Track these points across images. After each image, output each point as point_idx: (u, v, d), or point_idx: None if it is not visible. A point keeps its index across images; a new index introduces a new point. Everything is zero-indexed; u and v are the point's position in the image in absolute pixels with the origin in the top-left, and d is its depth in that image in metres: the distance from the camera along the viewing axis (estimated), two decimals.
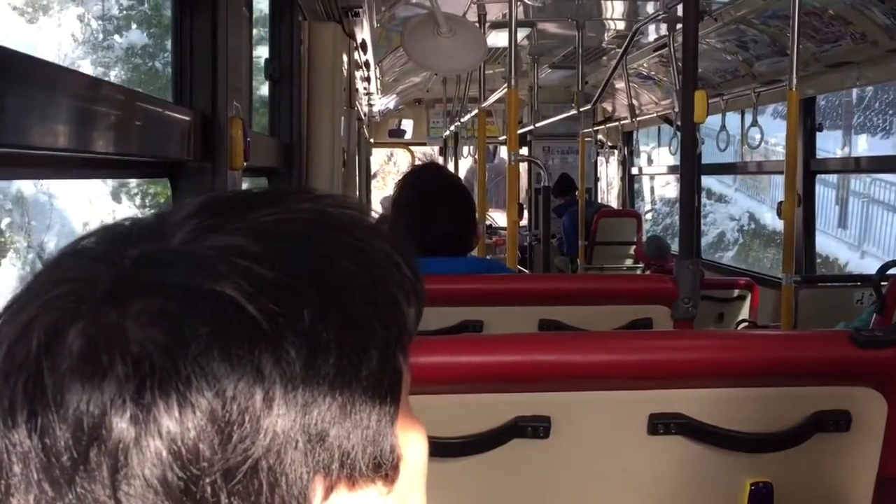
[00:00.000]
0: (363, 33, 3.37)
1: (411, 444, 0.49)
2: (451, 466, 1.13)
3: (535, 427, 1.13)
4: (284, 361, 0.41)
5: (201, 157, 1.20)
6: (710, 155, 5.33)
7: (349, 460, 0.43)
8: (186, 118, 1.18)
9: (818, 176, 4.66)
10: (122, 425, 0.39)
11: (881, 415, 1.15)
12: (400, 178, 2.14)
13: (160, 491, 0.39)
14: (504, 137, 3.46)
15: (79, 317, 0.40)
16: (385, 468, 0.45)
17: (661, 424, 1.15)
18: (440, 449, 1.12)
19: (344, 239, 0.47)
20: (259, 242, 0.44)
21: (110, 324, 0.40)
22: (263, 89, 2.28)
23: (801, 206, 4.45)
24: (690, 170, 2.03)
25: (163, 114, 1.18)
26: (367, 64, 4.13)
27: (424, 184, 2.06)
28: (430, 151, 11.53)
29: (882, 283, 2.35)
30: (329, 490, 0.43)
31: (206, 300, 0.41)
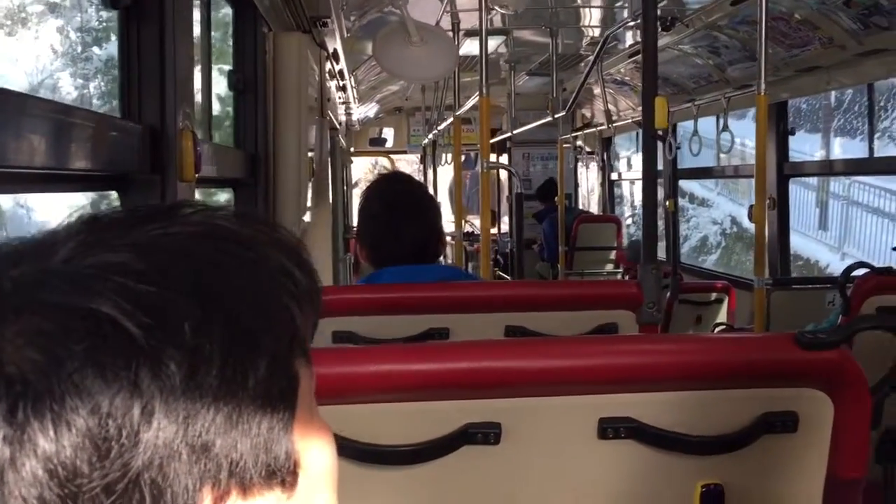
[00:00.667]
0: (335, 43, 3.38)
1: (313, 448, 0.49)
2: (401, 474, 1.13)
3: (486, 433, 1.14)
4: (164, 375, 0.41)
5: (150, 169, 1.20)
6: (689, 159, 5.37)
7: (238, 469, 0.43)
8: (135, 131, 1.19)
9: (798, 179, 4.70)
10: None
11: (828, 416, 1.16)
12: (365, 187, 2.15)
13: None
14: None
15: None
16: (280, 475, 0.46)
17: (610, 429, 1.15)
18: (390, 457, 1.13)
19: (232, 250, 0.47)
20: (141, 258, 0.44)
21: None
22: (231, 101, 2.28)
23: (776, 209, 4.48)
24: (653, 175, 2.04)
25: (111, 127, 1.18)
26: (340, 73, 4.14)
27: (391, 194, 2.06)
28: (412, 159, 11.54)
29: (847, 285, 2.37)
30: (220, 499, 0.43)
31: (81, 319, 0.41)
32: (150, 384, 0.41)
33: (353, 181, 10.19)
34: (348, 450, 1.10)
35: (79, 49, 11.36)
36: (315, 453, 0.49)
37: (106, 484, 0.40)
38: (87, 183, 1.17)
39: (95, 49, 11.49)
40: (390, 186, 2.13)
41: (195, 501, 0.42)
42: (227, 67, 2.24)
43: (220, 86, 2.30)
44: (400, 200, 2.03)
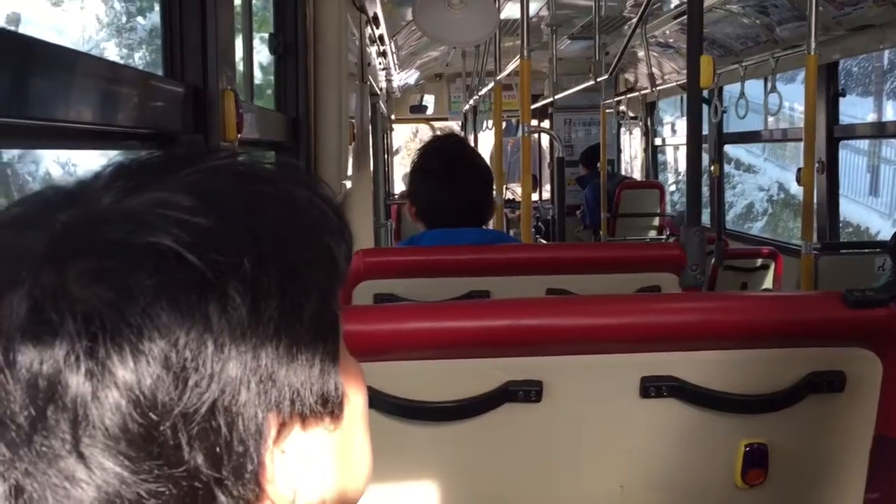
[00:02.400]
0: (375, 7, 3.36)
1: (352, 384, 0.51)
2: (442, 430, 1.14)
3: (527, 391, 1.14)
4: (231, 307, 0.42)
5: (193, 129, 1.22)
6: (735, 123, 5.26)
7: (299, 398, 0.45)
8: (179, 91, 1.20)
9: (848, 143, 4.59)
10: (78, 380, 0.40)
11: (876, 374, 1.14)
12: (422, 146, 2.16)
13: (121, 439, 0.40)
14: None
15: (21, 281, 0.41)
16: (332, 405, 0.48)
17: (653, 387, 1.15)
18: (432, 413, 1.14)
19: (268, 190, 0.48)
20: (190, 195, 0.45)
21: (54, 285, 0.41)
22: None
23: (825, 174, 4.38)
24: (697, 137, 2.00)
25: (156, 87, 1.19)
26: (381, 38, 4.12)
27: (450, 153, 2.08)
28: (453, 126, 11.49)
29: None
30: (282, 427, 0.45)
31: (145, 254, 0.42)
32: (220, 317, 0.42)
33: (395, 148, 10.19)
34: (391, 406, 1.11)
35: (123, 19, 11.46)
36: (354, 390, 0.51)
37: (184, 413, 0.41)
38: (133, 141, 1.19)
39: (140, 19, 11.59)
40: (448, 145, 2.15)
41: (262, 430, 0.44)
42: (267, 35, 2.24)
43: (261, 53, 2.31)
44: (457, 159, 2.04)
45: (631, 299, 1.38)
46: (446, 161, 2.04)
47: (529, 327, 1.12)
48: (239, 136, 1.29)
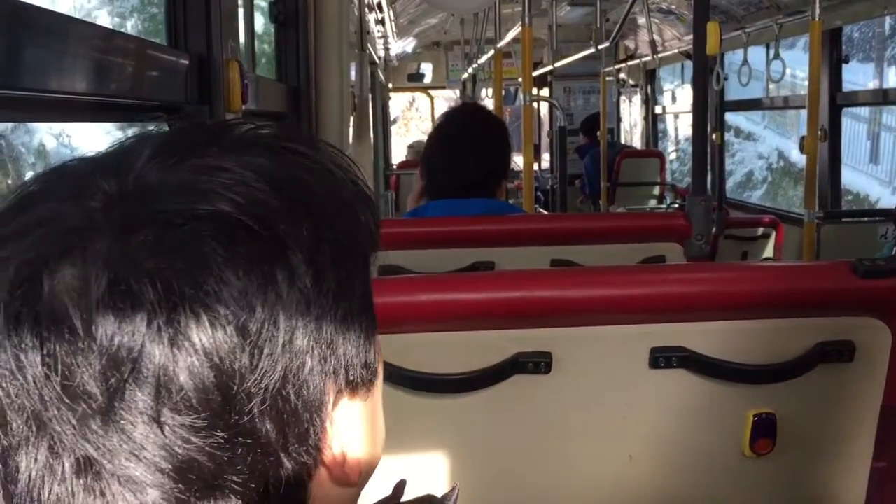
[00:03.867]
0: None
1: (378, 357, 0.52)
2: (452, 402, 1.14)
3: (537, 363, 1.14)
4: (297, 278, 0.43)
5: (198, 100, 1.20)
6: (735, 91, 5.22)
7: (352, 367, 0.47)
8: (183, 61, 1.18)
9: (848, 110, 4.56)
10: (159, 350, 0.40)
11: (885, 344, 1.14)
12: (444, 111, 2.16)
13: (200, 406, 0.40)
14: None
15: (88, 253, 0.40)
16: (371, 373, 0.49)
17: (662, 358, 1.15)
18: (442, 385, 1.14)
19: (304, 162, 0.48)
20: (238, 166, 0.45)
21: (124, 257, 0.40)
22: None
23: (827, 141, 4.36)
24: (703, 105, 1.99)
25: (159, 58, 1.17)
26: (379, 6, 4.07)
27: (458, 122, 2.06)
28: (451, 94, 11.42)
29: None
30: (338, 396, 0.46)
31: (210, 222, 0.42)
32: (290, 288, 0.43)
33: (392, 118, 10.14)
34: (401, 378, 1.11)
35: None
36: (380, 363, 0.52)
37: (258, 380, 0.42)
38: (137, 112, 1.18)
39: None
40: (459, 115, 2.14)
41: (323, 398, 0.45)
42: (265, 3, 2.21)
43: (260, 21, 2.28)
44: (464, 128, 2.02)
45: (640, 270, 1.37)
46: (453, 130, 2.03)
47: (539, 299, 1.12)
48: (243, 106, 1.27)
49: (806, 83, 3.13)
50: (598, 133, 6.42)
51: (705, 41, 1.90)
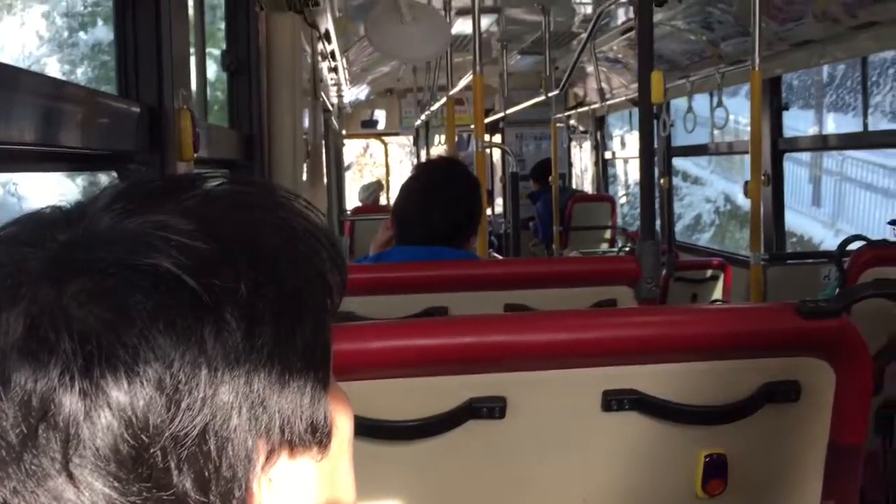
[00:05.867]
0: (326, 23, 3.35)
1: (339, 414, 0.51)
2: (406, 450, 1.14)
3: (491, 408, 1.14)
4: (226, 332, 0.42)
5: (149, 149, 1.20)
6: (682, 138, 5.36)
7: (288, 426, 0.45)
8: (134, 110, 1.18)
9: (790, 155, 4.70)
10: (71, 400, 0.39)
11: (829, 384, 1.17)
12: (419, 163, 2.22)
13: (112, 460, 0.40)
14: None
15: (18, 298, 0.41)
16: (320, 434, 0.48)
17: (614, 401, 1.16)
18: (395, 432, 1.13)
19: (265, 217, 0.48)
20: (189, 220, 0.45)
21: (51, 304, 0.41)
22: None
23: (771, 185, 4.49)
24: (650, 151, 2.04)
25: (110, 107, 1.17)
26: (332, 54, 4.11)
27: (430, 173, 2.13)
28: (404, 141, 11.49)
29: (843, 259, 2.38)
30: (271, 454, 0.45)
31: (144, 275, 0.42)
32: (215, 342, 0.42)
33: (346, 164, 10.16)
34: (354, 425, 1.10)
35: (65, 34, 11.27)
36: (341, 419, 0.51)
37: (175, 436, 0.41)
38: (86, 163, 1.17)
39: (82, 34, 11.41)
40: (433, 166, 2.25)
41: (251, 456, 0.44)
42: (217, 51, 2.22)
43: (212, 68, 2.29)
44: (435, 179, 2.06)
45: (592, 314, 1.39)
46: (424, 181, 2.08)
47: (493, 343, 1.13)
48: (195, 154, 1.27)
49: (749, 129, 3.23)
50: (550, 178, 6.52)
51: (650, 90, 1.96)
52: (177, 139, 1.23)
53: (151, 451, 0.40)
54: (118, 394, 0.40)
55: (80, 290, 0.41)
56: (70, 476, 0.39)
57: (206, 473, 0.42)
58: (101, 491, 0.40)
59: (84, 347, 0.40)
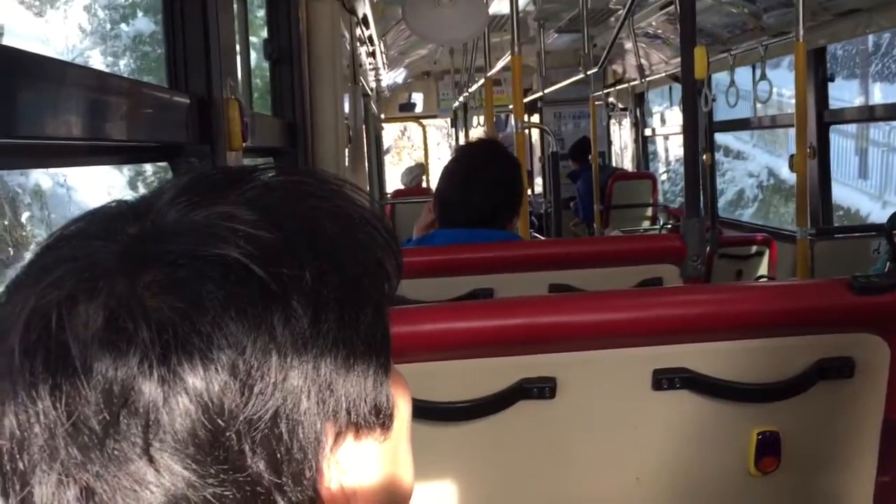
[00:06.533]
0: (364, 8, 3.36)
1: (399, 396, 0.53)
2: (457, 430, 1.15)
3: (541, 388, 1.15)
4: (294, 319, 0.44)
5: (199, 139, 1.22)
6: (724, 111, 5.28)
7: (354, 408, 0.47)
8: (184, 101, 1.20)
9: (835, 127, 4.60)
10: (150, 387, 0.41)
11: (884, 359, 1.16)
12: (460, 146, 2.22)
13: (190, 443, 0.41)
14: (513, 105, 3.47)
15: (96, 292, 0.43)
16: (383, 416, 0.49)
17: (665, 380, 1.16)
18: (447, 414, 1.15)
19: (322, 205, 0.49)
20: (251, 210, 0.46)
21: (127, 296, 0.42)
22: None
23: (816, 158, 4.40)
24: (694, 127, 2.02)
25: (160, 99, 1.19)
26: (370, 39, 4.12)
27: (471, 155, 2.13)
28: (442, 123, 11.48)
29: (894, 232, 2.34)
30: (338, 436, 0.47)
31: (213, 265, 0.43)
32: (284, 328, 0.44)
33: (385, 148, 10.19)
34: None
35: (107, 27, 11.43)
36: (401, 401, 0.53)
37: (249, 419, 0.42)
38: (139, 154, 1.19)
39: (123, 26, 11.56)
40: (474, 149, 2.22)
41: (320, 438, 0.45)
42: (256, 39, 2.24)
43: (253, 56, 2.31)
44: (476, 161, 2.07)
45: (641, 294, 1.39)
46: (465, 163, 2.08)
47: (543, 325, 1.13)
48: (244, 144, 1.29)
49: (793, 101, 3.17)
50: (590, 157, 6.47)
51: (693, 66, 1.94)
52: (226, 129, 1.26)
53: (227, 434, 0.42)
54: (194, 380, 0.41)
55: (153, 282, 0.43)
56: (150, 459, 0.41)
57: (279, 455, 0.43)
58: (181, 473, 0.41)
59: (161, 336, 0.41)
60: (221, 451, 0.42)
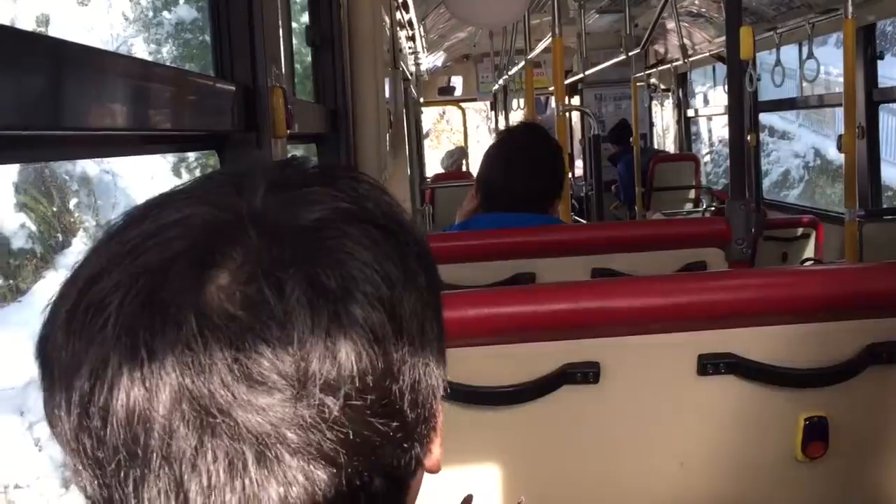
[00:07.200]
0: None
1: None
2: (501, 415, 1.16)
3: (585, 373, 1.15)
4: (417, 276, 0.49)
5: (245, 127, 1.23)
6: (768, 91, 5.18)
7: (443, 385, 0.51)
8: (230, 89, 1.21)
9: (885, 106, 4.50)
10: (321, 330, 0.44)
11: None
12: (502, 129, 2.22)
13: (363, 384, 0.44)
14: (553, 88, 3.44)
15: (247, 249, 0.44)
16: (444, 393, 0.53)
17: (710, 365, 1.15)
18: (491, 398, 1.15)
19: (396, 211, 0.53)
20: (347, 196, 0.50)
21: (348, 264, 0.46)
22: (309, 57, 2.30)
23: (865, 138, 4.31)
24: (739, 108, 1.99)
25: (207, 88, 1.21)
26: (410, 23, 4.12)
27: (514, 140, 2.13)
28: (481, 106, 11.44)
29: None
30: (439, 404, 0.51)
31: (346, 225, 0.47)
32: (415, 282, 0.49)
33: (424, 132, 10.19)
34: (450, 391, 1.13)
35: (150, 14, 11.57)
36: None
37: (403, 356, 0.46)
38: (186, 143, 1.21)
39: (165, 13, 11.70)
40: (516, 134, 2.21)
41: (437, 392, 0.50)
42: (296, 25, 2.26)
43: (296, 42, 2.32)
44: (518, 146, 2.07)
45: (687, 278, 1.38)
46: (507, 147, 2.08)
47: (586, 310, 1.13)
48: (288, 131, 1.30)
49: (840, 79, 3.11)
50: (631, 139, 6.41)
51: (739, 45, 1.91)
52: (271, 117, 1.27)
53: (389, 371, 0.45)
54: (362, 314, 0.45)
55: (372, 261, 0.47)
56: (327, 404, 0.43)
57: (419, 400, 0.47)
58: (352, 416, 0.44)
59: (384, 305, 0.46)
60: (385, 392, 0.45)
